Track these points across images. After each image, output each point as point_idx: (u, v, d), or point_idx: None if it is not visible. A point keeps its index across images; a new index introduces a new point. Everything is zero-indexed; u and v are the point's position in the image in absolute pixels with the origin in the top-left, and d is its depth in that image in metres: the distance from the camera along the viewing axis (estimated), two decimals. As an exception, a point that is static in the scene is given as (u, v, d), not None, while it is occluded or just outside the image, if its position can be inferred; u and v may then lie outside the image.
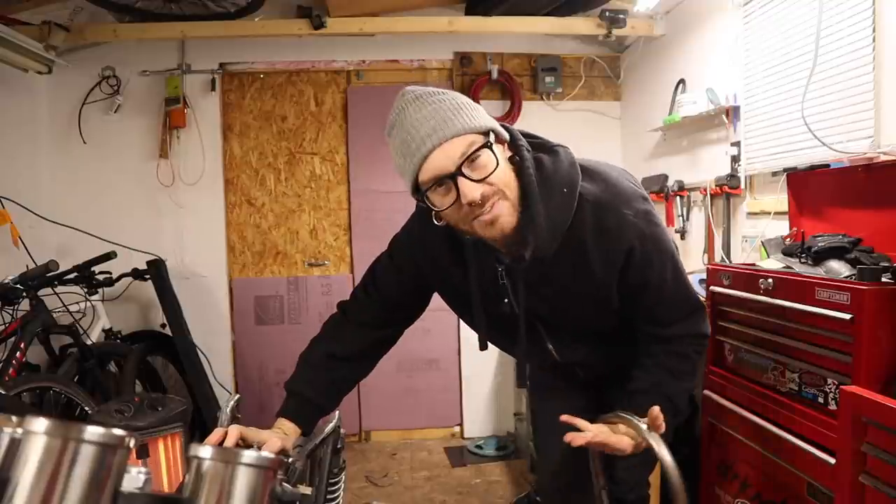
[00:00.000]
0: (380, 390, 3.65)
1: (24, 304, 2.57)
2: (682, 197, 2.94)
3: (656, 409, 1.08)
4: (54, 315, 2.66)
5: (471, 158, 1.02)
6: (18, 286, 2.48)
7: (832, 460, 1.42)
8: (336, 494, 1.16)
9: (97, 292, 2.95)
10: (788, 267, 1.76)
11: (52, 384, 2.44)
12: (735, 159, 2.51)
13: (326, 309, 3.33)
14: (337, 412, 1.24)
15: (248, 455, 0.62)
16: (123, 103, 3.44)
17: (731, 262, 2.52)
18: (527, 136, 1.17)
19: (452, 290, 1.29)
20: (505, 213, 1.06)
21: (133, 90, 3.46)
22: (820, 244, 1.72)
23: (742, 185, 2.49)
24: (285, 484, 0.76)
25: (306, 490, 0.81)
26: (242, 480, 0.61)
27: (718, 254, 2.63)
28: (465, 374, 3.72)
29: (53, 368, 2.77)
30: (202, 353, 3.22)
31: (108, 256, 2.89)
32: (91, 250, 2.97)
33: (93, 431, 0.54)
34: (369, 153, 3.61)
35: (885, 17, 1.76)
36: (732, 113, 2.53)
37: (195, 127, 3.50)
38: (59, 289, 2.75)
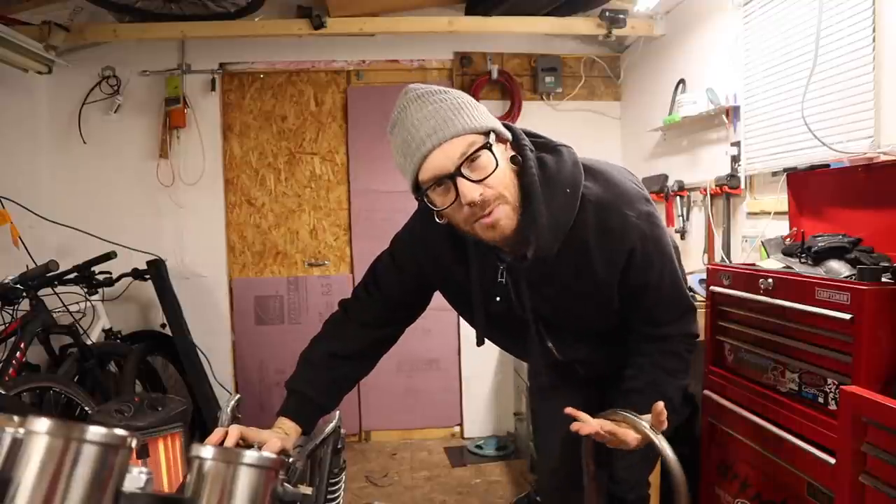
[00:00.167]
0: (380, 390, 3.65)
1: (24, 304, 2.57)
2: (682, 197, 2.94)
3: (660, 405, 1.09)
4: (54, 315, 2.66)
5: (470, 159, 1.02)
6: (18, 286, 2.48)
7: (832, 460, 1.42)
8: (336, 494, 1.16)
9: (97, 292, 2.95)
10: (788, 267, 1.76)
11: (52, 384, 2.44)
12: (735, 159, 2.51)
13: (326, 309, 3.33)
14: (337, 412, 1.24)
15: (250, 455, 0.62)
16: (123, 103, 3.44)
17: (731, 262, 2.52)
18: (530, 135, 1.17)
19: (454, 288, 1.29)
20: (505, 217, 1.06)
21: (133, 90, 3.46)
22: (820, 244, 1.72)
23: (742, 185, 2.49)
24: (286, 484, 0.76)
25: (307, 490, 0.81)
26: (244, 480, 0.61)
27: (718, 254, 2.63)
28: (465, 374, 3.72)
29: (53, 368, 2.77)
30: (202, 353, 3.22)
31: (108, 256, 2.89)
32: (91, 250, 2.97)
33: (95, 431, 0.54)
34: (369, 153, 3.61)
35: (885, 17, 1.76)
36: (732, 113, 2.53)
37: (195, 127, 3.50)
38: (59, 289, 2.75)
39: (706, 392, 1.98)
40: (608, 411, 1.16)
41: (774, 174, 2.30)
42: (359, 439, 3.71)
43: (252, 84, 3.60)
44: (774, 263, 1.82)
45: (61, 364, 2.71)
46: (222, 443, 1.00)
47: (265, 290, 3.66)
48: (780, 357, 1.66)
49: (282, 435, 1.15)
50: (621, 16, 3.11)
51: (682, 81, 2.97)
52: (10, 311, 2.54)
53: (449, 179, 1.02)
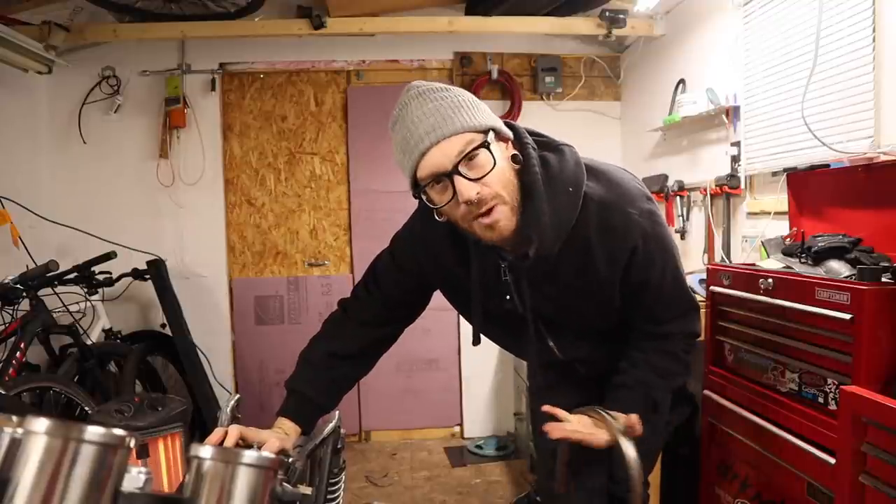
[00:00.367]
0: (380, 390, 3.65)
1: (25, 304, 2.57)
2: (682, 197, 2.94)
3: (634, 418, 1.16)
4: (54, 315, 2.66)
5: (468, 157, 1.02)
6: (18, 286, 2.48)
7: (832, 460, 1.42)
8: (336, 494, 1.16)
9: (97, 292, 2.95)
10: (788, 267, 1.76)
11: (52, 384, 2.44)
12: (735, 159, 2.51)
13: (326, 309, 3.33)
14: (337, 412, 1.24)
15: (249, 455, 0.62)
16: (123, 103, 3.44)
17: (731, 262, 2.52)
18: (533, 134, 1.17)
19: (454, 286, 1.29)
20: (504, 219, 1.06)
21: (133, 90, 3.47)
22: (820, 244, 1.72)
23: (742, 185, 2.49)
24: (285, 484, 0.76)
25: (306, 490, 0.81)
26: (243, 480, 0.61)
27: (718, 254, 2.63)
28: (465, 374, 3.72)
29: (53, 368, 2.77)
30: (202, 353, 3.22)
31: (108, 256, 2.89)
32: (91, 250, 2.97)
33: (93, 431, 0.54)
34: (369, 153, 3.61)
35: (885, 17, 1.76)
36: (732, 113, 2.53)
37: (195, 127, 3.50)
38: (59, 289, 2.75)
39: (706, 392, 1.98)
40: (587, 408, 1.20)
41: (774, 174, 2.30)
42: (359, 439, 3.71)
43: (252, 84, 3.60)
44: (774, 263, 1.82)
45: (61, 364, 2.71)
46: (222, 443, 1.00)
47: (265, 290, 3.66)
48: (780, 357, 1.66)
49: (281, 435, 1.15)
50: (621, 16, 3.11)
51: (682, 81, 2.97)
52: (10, 311, 2.54)
53: (446, 177, 1.02)
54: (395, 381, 3.68)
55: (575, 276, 1.18)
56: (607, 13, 3.11)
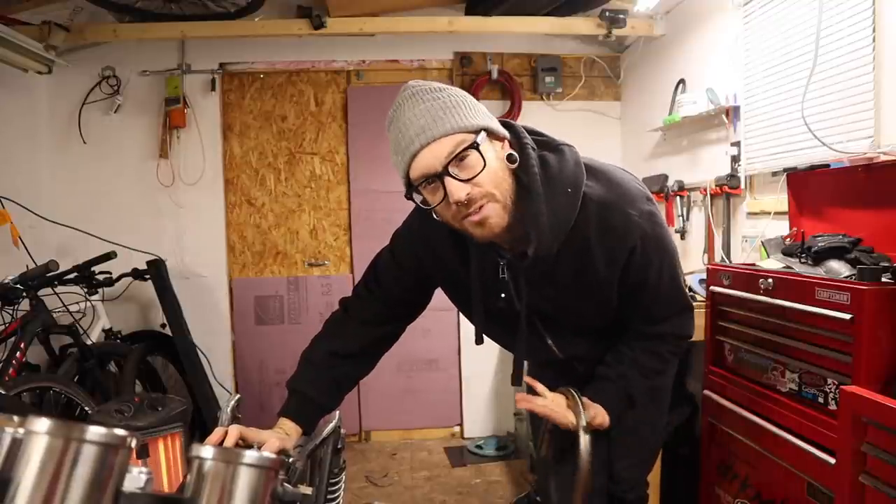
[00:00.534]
0: (380, 390, 3.65)
1: (25, 304, 2.57)
2: (682, 197, 2.94)
3: (600, 412, 1.23)
4: (54, 315, 2.65)
5: (458, 157, 1.02)
6: (18, 286, 2.48)
7: (832, 460, 1.42)
8: (336, 494, 1.16)
9: (97, 292, 2.95)
10: (788, 267, 1.76)
11: (52, 384, 2.44)
12: (735, 159, 2.51)
13: (326, 309, 3.33)
14: (337, 412, 1.24)
15: (250, 455, 0.62)
16: (123, 103, 3.44)
17: (731, 262, 2.52)
18: (533, 133, 1.17)
19: (454, 283, 1.29)
20: (494, 216, 1.06)
21: (133, 90, 3.46)
22: (820, 244, 1.72)
23: (742, 185, 2.49)
24: (286, 484, 0.76)
25: (307, 490, 0.81)
26: (244, 480, 0.61)
27: (718, 254, 2.63)
28: (465, 374, 3.72)
29: (53, 368, 2.76)
30: (202, 353, 3.22)
31: (108, 256, 2.89)
32: (91, 250, 2.97)
33: (95, 431, 0.54)
34: (369, 153, 3.61)
35: (885, 17, 1.76)
36: (732, 113, 2.53)
37: (195, 127, 3.50)
38: (59, 289, 2.75)
39: (706, 392, 1.98)
40: (565, 388, 1.24)
41: (774, 174, 2.30)
42: (359, 439, 3.71)
43: (252, 84, 3.60)
44: (774, 263, 1.82)
45: (61, 364, 2.71)
46: (222, 443, 1.00)
47: (265, 290, 3.66)
48: (780, 357, 1.66)
49: (282, 435, 1.15)
50: (621, 16, 3.11)
51: (682, 81, 2.97)
52: (10, 311, 2.54)
53: (437, 178, 1.03)
54: (396, 381, 3.68)
55: (574, 276, 1.18)
56: (607, 13, 3.11)
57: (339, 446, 1.17)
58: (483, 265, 1.20)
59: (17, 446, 0.55)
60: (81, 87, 3.40)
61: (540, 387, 1.23)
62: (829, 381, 1.49)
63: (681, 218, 2.95)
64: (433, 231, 1.21)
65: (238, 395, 1.18)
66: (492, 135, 1.08)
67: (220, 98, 3.55)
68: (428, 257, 1.28)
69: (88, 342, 2.80)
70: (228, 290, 3.64)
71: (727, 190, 2.54)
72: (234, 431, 1.02)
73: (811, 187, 2.04)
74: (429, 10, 3.36)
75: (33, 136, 3.30)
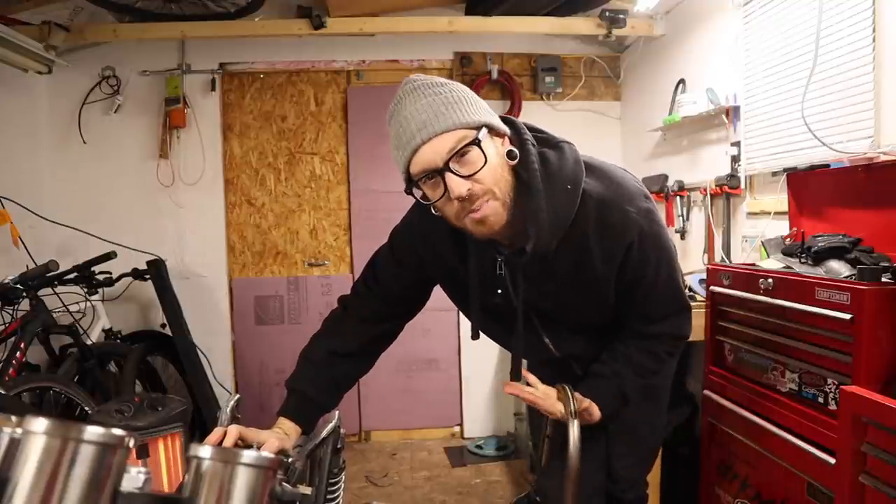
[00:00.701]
0: (380, 390, 3.65)
1: (25, 304, 2.57)
2: (682, 197, 2.94)
3: (593, 407, 1.24)
4: (54, 315, 2.65)
5: (459, 154, 1.02)
6: (18, 286, 2.48)
7: (832, 460, 1.42)
8: (336, 494, 1.16)
9: (97, 292, 2.95)
10: (788, 267, 1.76)
11: (52, 384, 2.44)
12: (735, 159, 2.51)
13: (326, 309, 3.31)
14: (337, 412, 1.24)
15: (248, 455, 0.62)
16: (123, 103, 3.44)
17: (731, 262, 2.52)
18: (533, 130, 1.17)
19: (452, 279, 1.29)
20: (494, 213, 1.06)
21: (133, 90, 3.46)
22: (820, 244, 1.72)
23: (742, 185, 2.49)
24: (285, 484, 0.76)
25: (306, 490, 0.81)
26: (242, 480, 0.61)
27: (718, 254, 2.63)
28: (465, 374, 3.72)
29: (53, 368, 2.77)
30: (202, 353, 3.22)
31: (108, 256, 2.89)
32: (91, 250, 2.97)
33: (92, 431, 0.54)
34: (369, 153, 3.61)
35: (885, 17, 1.76)
36: (732, 113, 2.53)
37: (195, 127, 3.50)
38: (59, 289, 2.75)
39: (706, 392, 1.98)
40: (559, 384, 1.24)
41: (774, 174, 2.30)
42: (359, 439, 3.71)
43: (252, 84, 3.60)
44: (774, 263, 1.82)
45: (61, 364, 2.71)
46: (221, 443, 1.00)
47: (265, 290, 3.66)
48: (780, 357, 1.66)
49: (281, 435, 1.15)
50: (621, 16, 3.11)
51: (682, 81, 2.97)
52: (10, 311, 2.54)
53: (438, 174, 1.03)
54: (395, 381, 3.68)
55: (572, 273, 1.18)
56: (607, 13, 3.11)
57: (338, 446, 1.17)
58: (481, 261, 1.20)
59: (15, 446, 0.55)
60: (81, 87, 3.40)
61: (532, 378, 1.24)
62: (829, 381, 1.49)
63: (681, 218, 2.95)
64: (432, 227, 1.21)
65: (238, 395, 1.18)
66: (493, 131, 1.08)
67: (220, 98, 3.55)
68: (427, 253, 1.28)
69: (88, 342, 2.80)
70: (228, 290, 3.64)
71: (727, 190, 2.54)
72: (234, 431, 1.02)
73: (811, 187, 2.04)
74: (429, 10, 3.36)
75: (33, 135, 3.30)
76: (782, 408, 1.63)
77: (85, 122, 3.41)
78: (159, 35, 3.15)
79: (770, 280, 1.67)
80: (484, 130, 1.05)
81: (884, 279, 1.44)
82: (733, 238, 2.58)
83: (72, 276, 2.78)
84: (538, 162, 1.10)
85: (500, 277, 1.21)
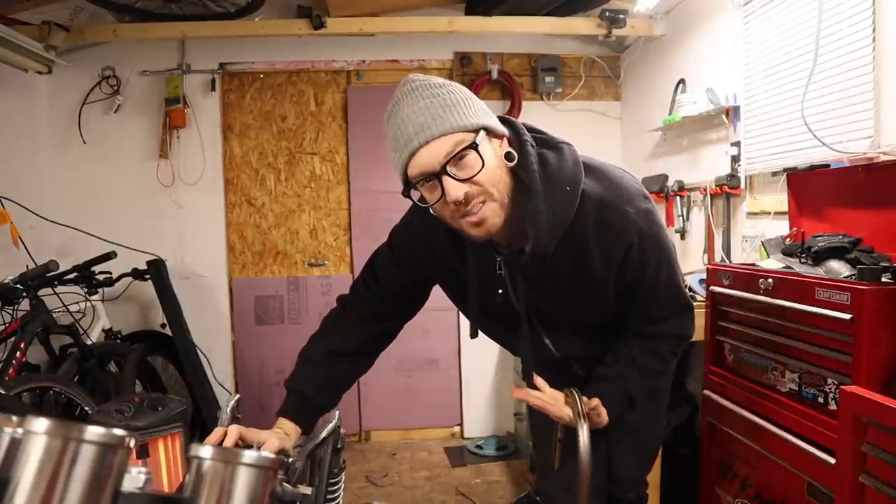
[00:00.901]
0: (380, 390, 3.65)
1: (25, 304, 2.57)
2: (682, 197, 2.94)
3: (600, 407, 1.20)
4: (54, 315, 2.66)
5: (457, 157, 1.02)
6: (18, 286, 2.48)
7: (832, 460, 1.42)
8: (336, 494, 1.16)
9: (97, 292, 2.95)
10: (788, 267, 1.76)
11: (52, 384, 2.44)
12: (735, 159, 2.51)
13: (326, 309, 3.29)
14: (337, 412, 1.24)
15: (249, 455, 0.62)
16: (123, 103, 3.44)
17: (731, 262, 2.52)
18: (532, 131, 1.17)
19: (452, 279, 1.29)
20: (492, 215, 1.06)
21: (133, 90, 3.47)
22: (820, 244, 1.72)
23: (742, 185, 2.49)
24: (285, 484, 0.76)
25: (306, 490, 0.80)
26: (243, 480, 0.61)
27: (718, 254, 2.63)
28: (465, 374, 3.72)
29: (53, 368, 2.77)
30: (202, 353, 3.22)
31: (108, 256, 2.89)
32: (91, 250, 2.97)
33: (93, 431, 0.54)
34: (369, 153, 3.61)
35: (885, 17, 1.76)
36: (732, 113, 2.53)
37: (195, 127, 3.50)
38: (59, 289, 2.75)
39: (706, 392, 1.98)
40: (566, 388, 1.23)
41: (774, 174, 2.30)
42: (359, 439, 3.71)
43: (252, 84, 3.60)
44: (774, 263, 1.82)
45: (61, 364, 2.71)
46: (221, 443, 1.00)
47: (265, 290, 3.66)
48: (780, 357, 1.66)
49: (281, 435, 1.15)
50: (621, 16, 3.11)
51: (682, 81, 2.97)
52: (10, 311, 2.54)
53: (435, 177, 1.03)
54: (395, 381, 3.68)
55: (571, 274, 1.18)
56: (607, 13, 3.11)
57: (338, 446, 1.17)
58: (480, 261, 1.20)
59: (15, 446, 0.55)
60: (81, 87, 3.40)
61: (541, 381, 1.23)
62: (829, 381, 1.49)
63: (681, 218, 2.95)
64: (431, 227, 1.21)
65: (238, 395, 1.18)
66: (491, 133, 1.07)
67: (220, 98, 3.55)
68: (426, 253, 1.27)
69: (88, 342, 2.80)
70: (228, 290, 3.64)
71: (727, 190, 2.54)
72: (234, 431, 1.02)
73: (811, 187, 2.04)
74: (429, 10, 3.36)
75: (33, 135, 3.30)
76: (782, 408, 1.63)
77: (85, 122, 3.41)
78: (159, 35, 3.15)
79: (770, 280, 1.67)
80: (482, 133, 1.04)
81: (884, 279, 1.44)
82: (733, 238, 2.58)
83: (72, 276, 2.78)
84: (537, 163, 1.10)
85: (499, 277, 1.20)
